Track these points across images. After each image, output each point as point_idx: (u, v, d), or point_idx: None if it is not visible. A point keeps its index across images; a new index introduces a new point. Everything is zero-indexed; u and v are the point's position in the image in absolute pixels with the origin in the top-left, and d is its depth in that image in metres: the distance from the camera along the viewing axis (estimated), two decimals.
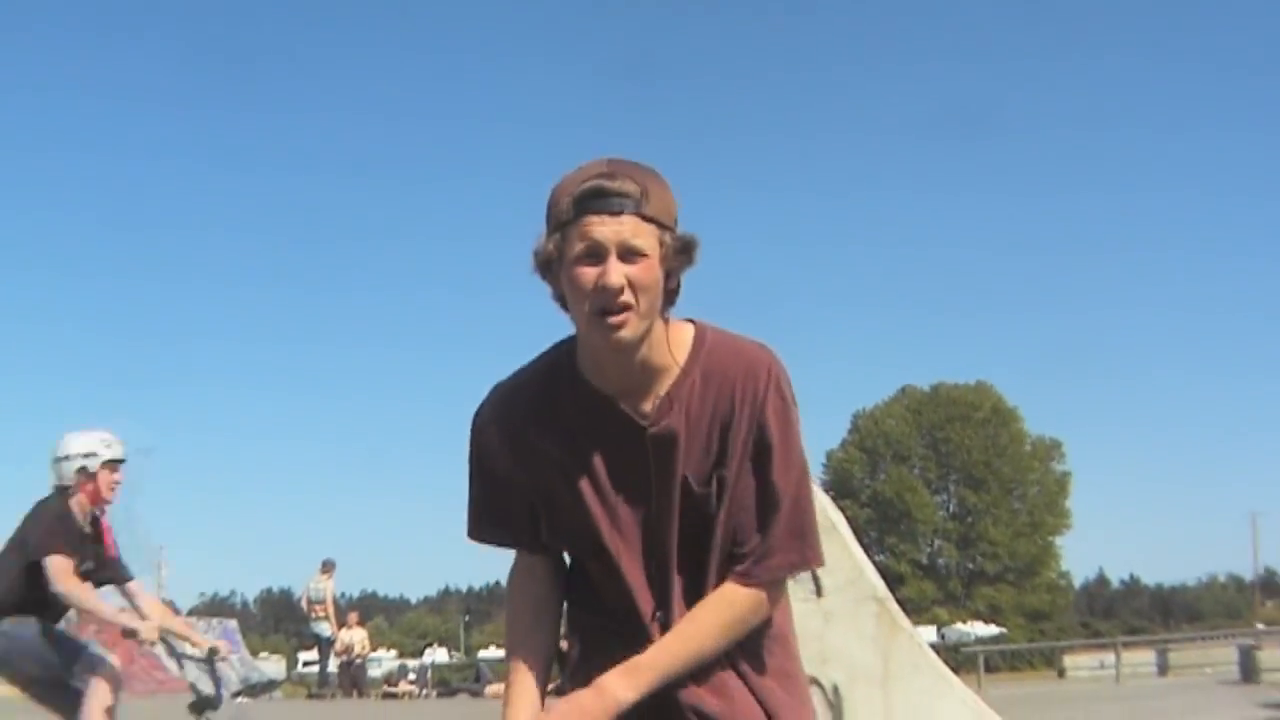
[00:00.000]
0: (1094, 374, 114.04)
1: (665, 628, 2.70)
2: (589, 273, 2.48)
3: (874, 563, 5.27)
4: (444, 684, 31.09)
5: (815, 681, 4.97)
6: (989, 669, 33.81)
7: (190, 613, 29.56)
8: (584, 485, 2.69)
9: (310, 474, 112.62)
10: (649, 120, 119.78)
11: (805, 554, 2.71)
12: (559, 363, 2.77)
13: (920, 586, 60.34)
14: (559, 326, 2.68)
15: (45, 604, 6.78)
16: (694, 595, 2.70)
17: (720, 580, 2.67)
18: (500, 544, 2.82)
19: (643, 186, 2.53)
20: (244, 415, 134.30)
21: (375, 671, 26.50)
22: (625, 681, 2.60)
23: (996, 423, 66.09)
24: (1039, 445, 66.81)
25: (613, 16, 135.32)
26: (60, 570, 6.75)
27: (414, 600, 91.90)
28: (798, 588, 5.17)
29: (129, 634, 6.89)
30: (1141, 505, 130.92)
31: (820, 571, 5.13)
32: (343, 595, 23.27)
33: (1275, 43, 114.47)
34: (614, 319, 2.50)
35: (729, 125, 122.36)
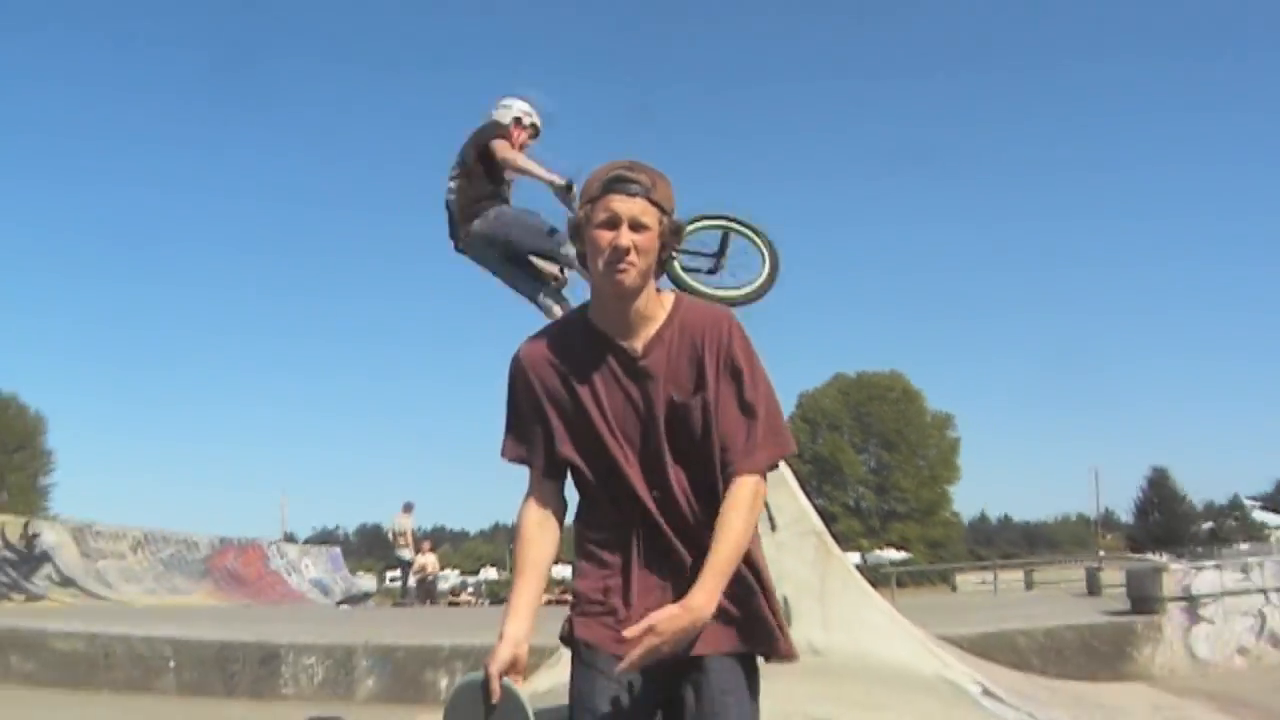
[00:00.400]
0: (979, 364, 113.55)
1: (662, 504, 2.75)
2: (606, 235, 2.65)
3: (814, 506, 5.25)
4: (494, 595, 31.02)
5: None
6: (899, 585, 33.65)
7: (305, 542, 29.32)
8: (589, 401, 2.76)
9: (394, 432, 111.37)
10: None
11: (782, 445, 2.81)
12: (573, 316, 2.91)
13: (848, 523, 60.21)
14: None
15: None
16: (702, 487, 2.76)
17: (723, 475, 2.73)
18: (522, 461, 2.85)
19: (652, 180, 2.72)
20: (345, 385, 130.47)
21: (443, 586, 26.34)
22: (703, 595, 2.62)
23: (905, 401, 66.17)
24: (936, 418, 66.83)
25: (607, 75, 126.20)
26: (503, 146, 6.70)
27: (472, 531, 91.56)
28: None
29: (557, 187, 6.57)
30: (1013, 461, 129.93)
31: (774, 513, 5.11)
32: (419, 528, 23.11)
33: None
34: (620, 267, 2.65)
35: (709, 160, 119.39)
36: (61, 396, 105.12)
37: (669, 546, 2.76)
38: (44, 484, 57.82)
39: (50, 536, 18.51)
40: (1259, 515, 71.05)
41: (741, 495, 2.73)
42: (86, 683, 9.37)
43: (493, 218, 6.61)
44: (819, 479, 62.39)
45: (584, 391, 2.77)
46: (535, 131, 7.03)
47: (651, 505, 2.76)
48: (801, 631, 4.88)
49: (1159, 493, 73.12)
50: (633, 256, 2.67)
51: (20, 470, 56.72)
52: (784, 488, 5.16)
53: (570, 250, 6.29)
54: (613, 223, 2.68)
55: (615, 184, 2.70)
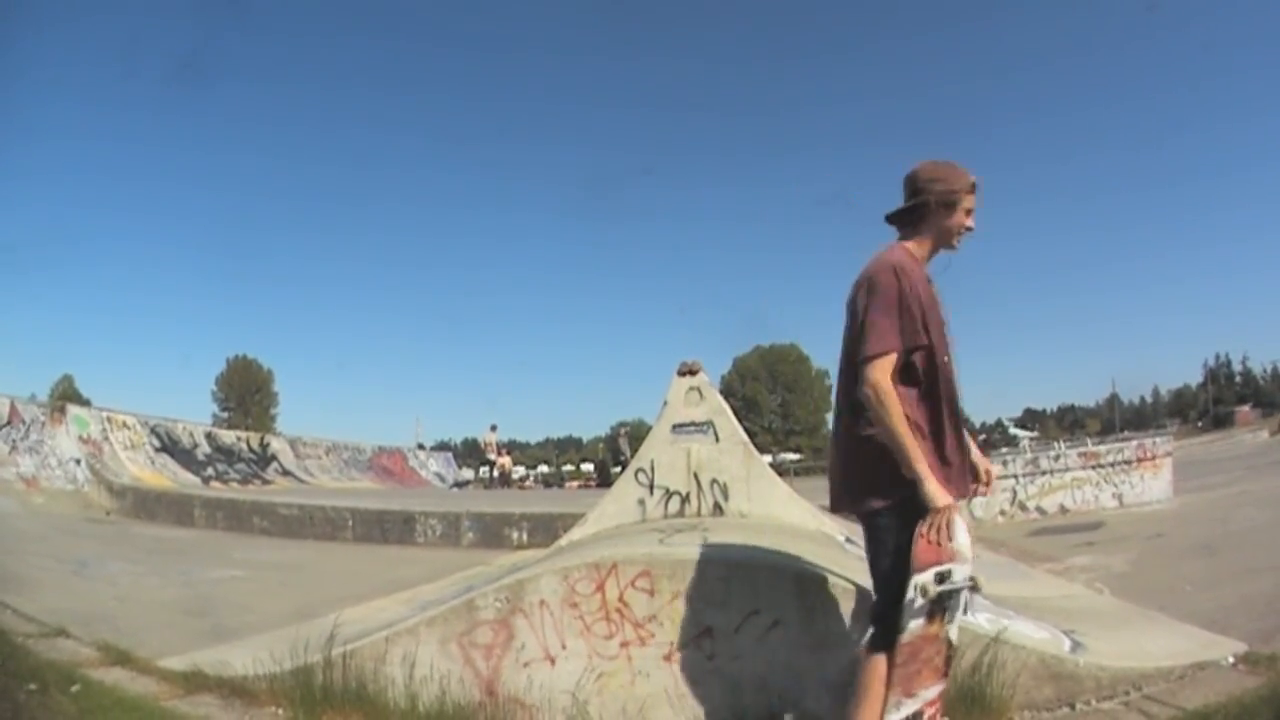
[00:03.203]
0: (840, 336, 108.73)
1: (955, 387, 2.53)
2: (966, 219, 2.55)
3: (742, 427, 5.20)
4: (546, 483, 31.10)
5: (715, 481, 4.90)
6: (795, 475, 33.71)
7: (430, 448, 29.10)
8: (934, 307, 2.51)
9: (487, 377, 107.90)
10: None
11: None
12: (913, 251, 2.58)
13: (763, 438, 60.10)
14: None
15: None
16: None
17: None
18: (892, 350, 2.40)
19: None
20: (458, 345, 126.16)
21: (514, 477, 26.23)
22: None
23: (799, 361, 65.98)
24: (818, 372, 66.65)
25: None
26: None
27: (532, 442, 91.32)
28: (706, 437, 5.12)
29: None
30: None
31: (719, 431, 5.00)
32: (499, 440, 23.07)
33: None
34: (960, 239, 2.57)
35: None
36: (282, 355, 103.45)
37: (959, 415, 2.54)
38: (273, 412, 58.74)
39: (276, 444, 18.55)
40: (1014, 431, 71.60)
41: None
42: (298, 534, 9.39)
43: None
44: (746, 411, 62.45)
45: (930, 300, 2.50)
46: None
47: (957, 387, 2.53)
48: (735, 504, 4.87)
49: None
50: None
51: (259, 404, 57.97)
52: (724, 416, 5.11)
53: None
54: (970, 211, 2.56)
55: (977, 186, 2.57)
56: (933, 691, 2.38)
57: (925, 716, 2.38)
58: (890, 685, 2.37)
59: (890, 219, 2.64)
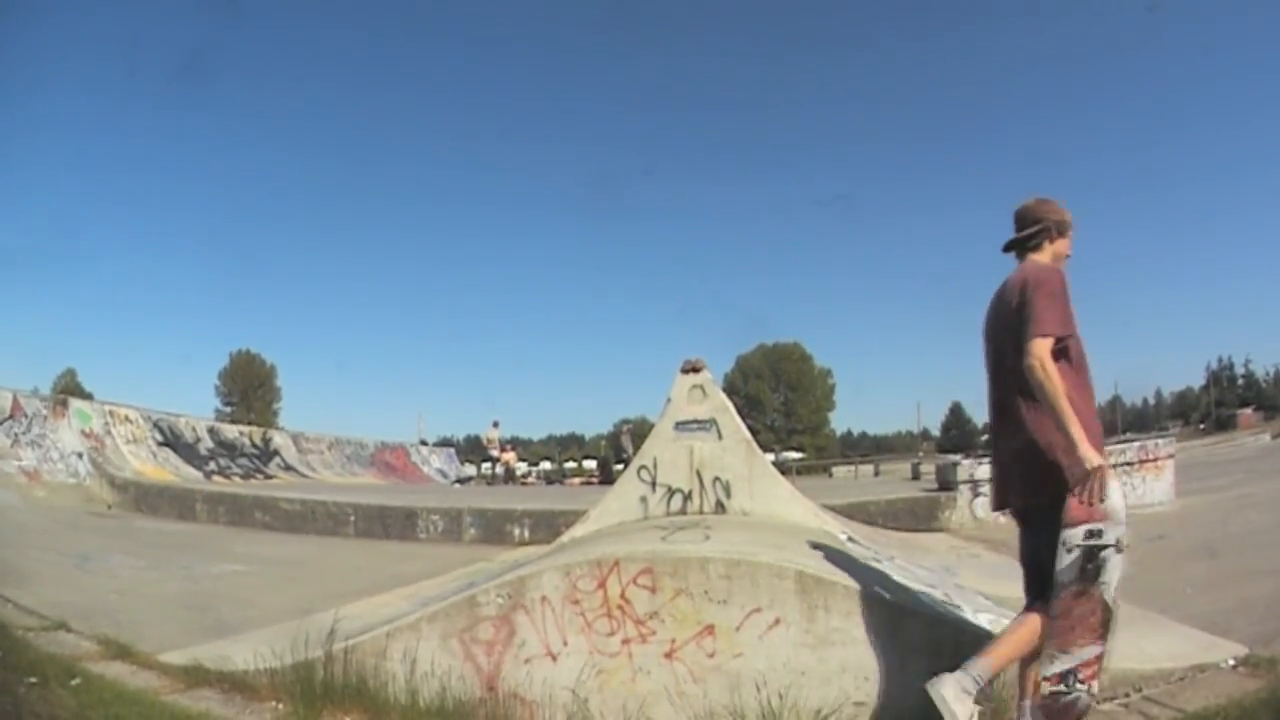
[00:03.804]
0: (855, 339, 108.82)
1: None
2: (1070, 246, 2.85)
3: (745, 425, 5.18)
4: (548, 479, 31.09)
5: (717, 479, 4.90)
6: (797, 474, 33.65)
7: (432, 444, 29.06)
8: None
9: (489, 375, 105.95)
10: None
11: None
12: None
13: (766, 435, 60.10)
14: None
15: None
16: None
17: None
18: (1060, 336, 2.66)
19: None
20: (461, 342, 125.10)
21: (517, 473, 26.25)
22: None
23: (801, 359, 65.98)
24: (820, 371, 66.74)
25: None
26: None
27: (535, 438, 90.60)
28: (709, 435, 5.11)
29: None
30: (868, 396, 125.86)
31: (722, 429, 5.01)
32: (502, 436, 23.06)
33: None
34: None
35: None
36: (285, 351, 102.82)
37: (1094, 399, 2.77)
38: (276, 407, 59.13)
39: (279, 440, 18.59)
40: None
41: None
42: (300, 529, 9.41)
43: None
44: (749, 409, 62.42)
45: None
46: None
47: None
48: (737, 502, 4.86)
49: (956, 417, 73.83)
50: None
51: (261, 399, 58.21)
52: (727, 414, 5.10)
53: None
54: (1070, 241, 2.84)
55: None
56: (1089, 652, 2.51)
57: (1081, 676, 2.52)
58: (1049, 638, 2.56)
59: (1009, 246, 2.90)
